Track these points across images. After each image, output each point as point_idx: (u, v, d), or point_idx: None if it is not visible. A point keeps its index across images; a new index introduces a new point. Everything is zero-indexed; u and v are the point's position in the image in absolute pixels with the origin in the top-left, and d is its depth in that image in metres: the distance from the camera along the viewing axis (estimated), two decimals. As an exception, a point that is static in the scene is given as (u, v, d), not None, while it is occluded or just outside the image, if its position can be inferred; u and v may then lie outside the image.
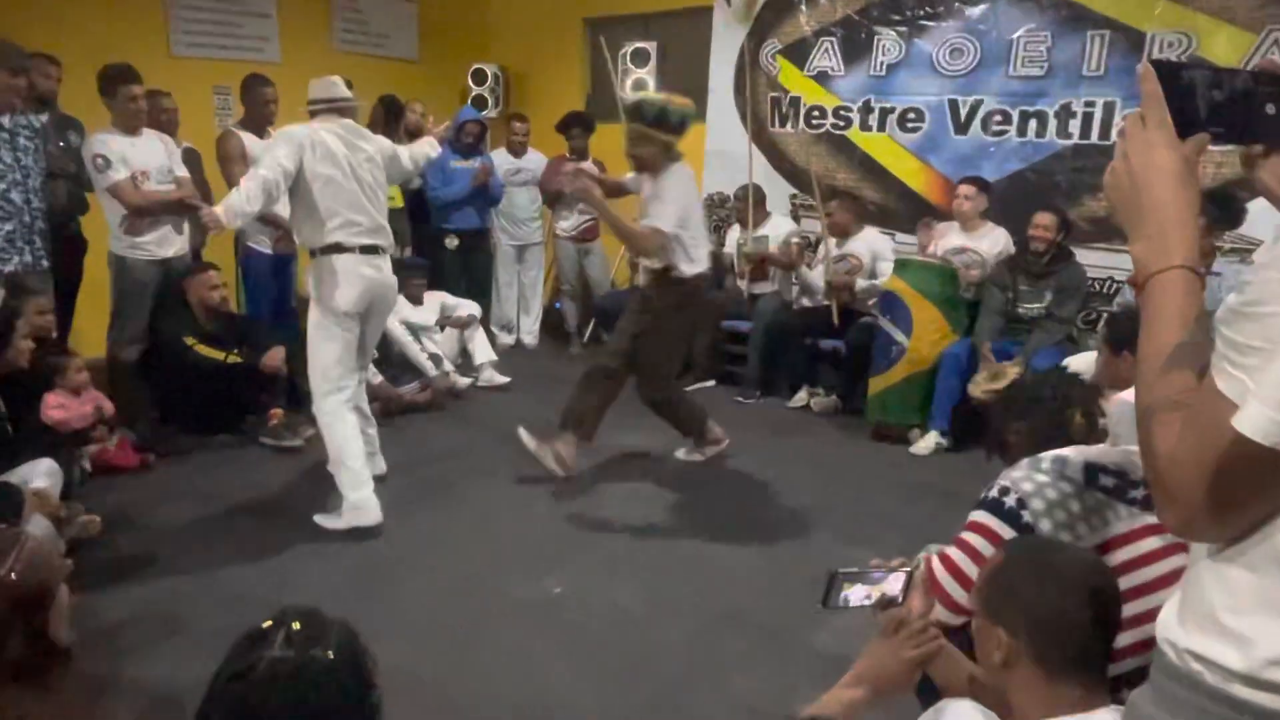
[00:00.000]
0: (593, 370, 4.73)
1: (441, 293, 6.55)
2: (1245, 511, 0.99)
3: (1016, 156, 6.15)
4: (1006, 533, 1.90)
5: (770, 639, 3.29)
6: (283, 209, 4.61)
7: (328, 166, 4.02)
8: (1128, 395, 2.56)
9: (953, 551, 1.99)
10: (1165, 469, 1.01)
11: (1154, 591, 1.72)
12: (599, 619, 3.45)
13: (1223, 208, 4.56)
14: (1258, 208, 4.61)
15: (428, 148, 4.63)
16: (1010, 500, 1.92)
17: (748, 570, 3.86)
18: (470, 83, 8.29)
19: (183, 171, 5.05)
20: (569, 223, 7.39)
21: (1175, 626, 1.08)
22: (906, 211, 6.62)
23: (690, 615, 3.47)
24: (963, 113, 6.33)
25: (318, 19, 7.71)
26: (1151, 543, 1.81)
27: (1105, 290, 5.76)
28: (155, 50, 6.48)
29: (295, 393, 5.14)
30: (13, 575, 1.64)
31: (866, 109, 6.75)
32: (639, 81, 7.38)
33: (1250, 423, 0.92)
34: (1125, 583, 1.77)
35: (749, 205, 6.56)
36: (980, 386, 4.81)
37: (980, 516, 1.97)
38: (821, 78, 6.92)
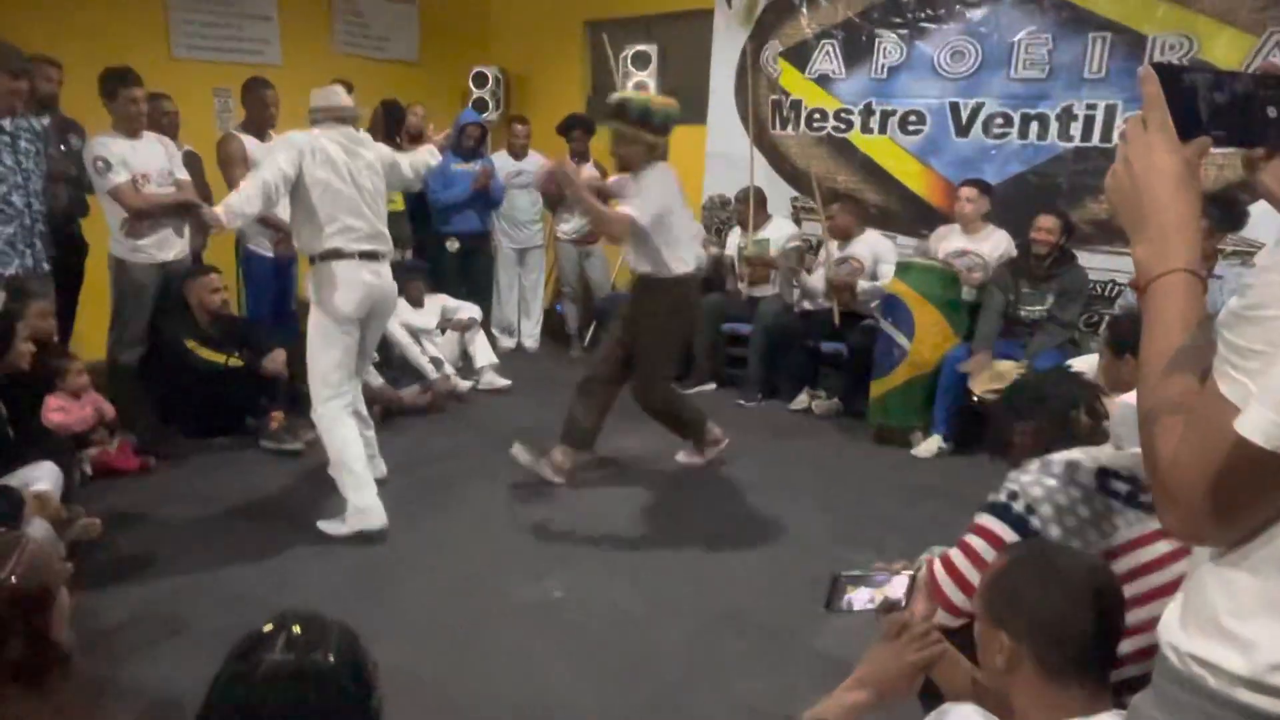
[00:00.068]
0: (586, 380, 4.72)
1: (442, 295, 6.55)
2: (1247, 515, 0.99)
3: (1018, 159, 6.15)
4: (1011, 537, 1.89)
5: (771, 641, 3.29)
6: (283, 212, 4.61)
7: (327, 172, 4.04)
8: (1129, 398, 2.56)
9: (955, 554, 1.99)
10: (1167, 472, 1.01)
11: (1163, 597, 1.71)
12: (599, 620, 3.45)
13: (1225, 210, 4.56)
14: (1260, 210, 4.61)
15: (428, 156, 4.63)
16: (1018, 505, 1.91)
17: (748, 572, 3.86)
18: (471, 85, 8.30)
19: (183, 174, 5.05)
20: (570, 225, 7.39)
21: (1177, 630, 1.08)
22: (908, 214, 6.62)
23: (690, 617, 3.47)
24: (964, 115, 6.33)
25: (318, 21, 7.72)
26: (1160, 547, 1.80)
27: (1107, 293, 5.75)
28: (156, 53, 6.49)
29: (296, 396, 5.13)
30: (13, 578, 1.64)
31: (868, 111, 6.75)
32: (640, 84, 7.38)
33: (1252, 426, 0.91)
34: (1135, 588, 1.77)
35: (750, 208, 6.56)
36: (982, 385, 4.81)
37: (986, 520, 1.96)
38: (823, 80, 6.92)
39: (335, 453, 4.11)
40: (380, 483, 4.27)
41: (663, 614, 3.49)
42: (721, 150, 7.36)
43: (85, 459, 4.45)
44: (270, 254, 5.64)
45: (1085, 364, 3.37)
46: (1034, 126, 6.06)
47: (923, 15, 6.42)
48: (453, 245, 6.98)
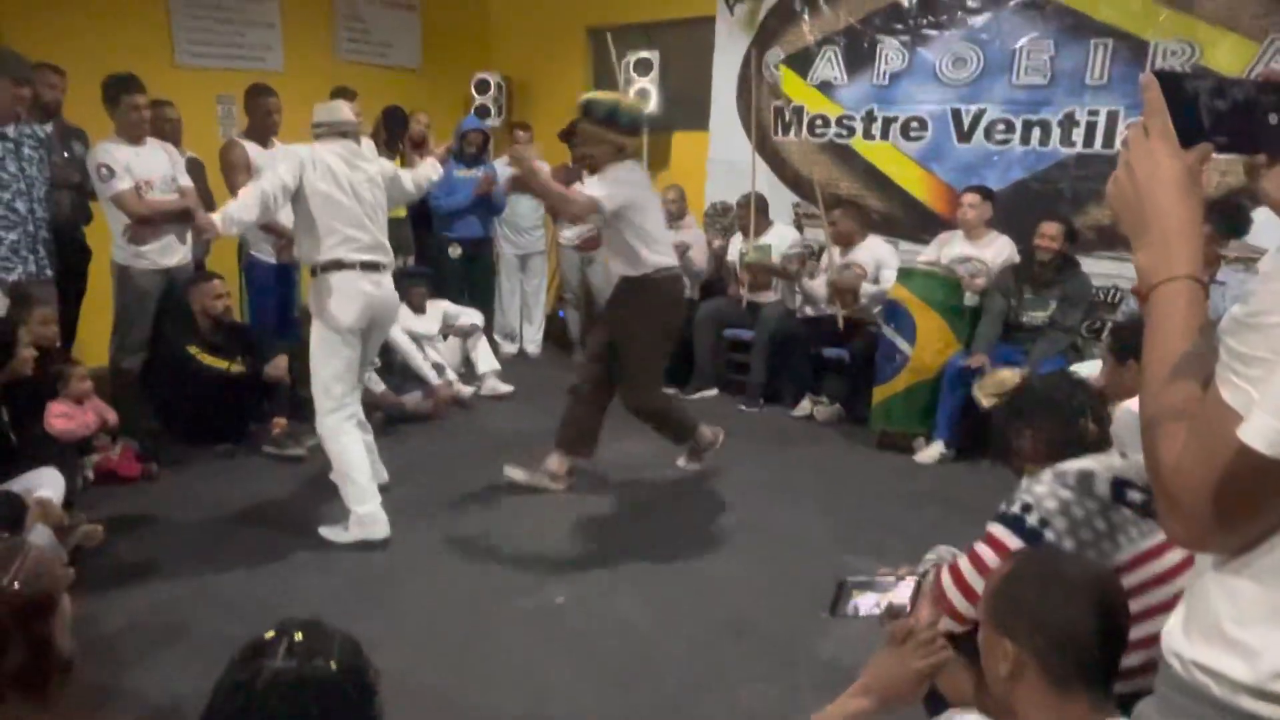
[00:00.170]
0: (575, 385, 4.69)
1: (444, 301, 6.54)
2: (1251, 522, 0.99)
3: (1020, 165, 6.16)
4: None
5: (774, 648, 3.28)
6: (285, 219, 4.62)
7: (328, 184, 4.06)
8: (1132, 404, 2.56)
9: (962, 562, 1.98)
10: (1170, 479, 1.01)
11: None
12: (601, 627, 3.44)
13: (1227, 217, 4.56)
14: (1263, 217, 4.60)
15: (429, 170, 4.65)
16: (1032, 519, 1.89)
17: (751, 578, 3.85)
18: (473, 92, 8.30)
19: (186, 181, 5.06)
20: (572, 231, 7.39)
21: (1181, 638, 1.08)
22: (910, 220, 6.63)
23: (693, 623, 3.46)
24: (966, 121, 6.33)
25: (321, 28, 7.72)
26: (1172, 558, 1.80)
27: (1110, 299, 5.75)
28: (159, 60, 6.50)
29: (298, 402, 5.14)
30: (15, 585, 1.63)
31: (870, 118, 6.75)
32: (642, 90, 7.39)
33: (1255, 434, 0.91)
34: (1147, 600, 1.76)
35: (751, 214, 6.56)
36: (986, 391, 4.81)
37: (998, 531, 1.94)
38: (825, 87, 6.93)
39: (338, 463, 4.12)
40: (382, 489, 4.27)
41: (665, 620, 3.49)
42: (723, 156, 7.36)
43: (87, 465, 4.46)
44: (273, 260, 5.64)
45: (1087, 371, 3.37)
46: (1036, 132, 6.07)
47: (925, 22, 6.42)
48: (455, 251, 6.98)
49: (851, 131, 6.85)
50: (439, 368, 6.13)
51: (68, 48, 5.64)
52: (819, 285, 6.19)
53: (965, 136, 6.35)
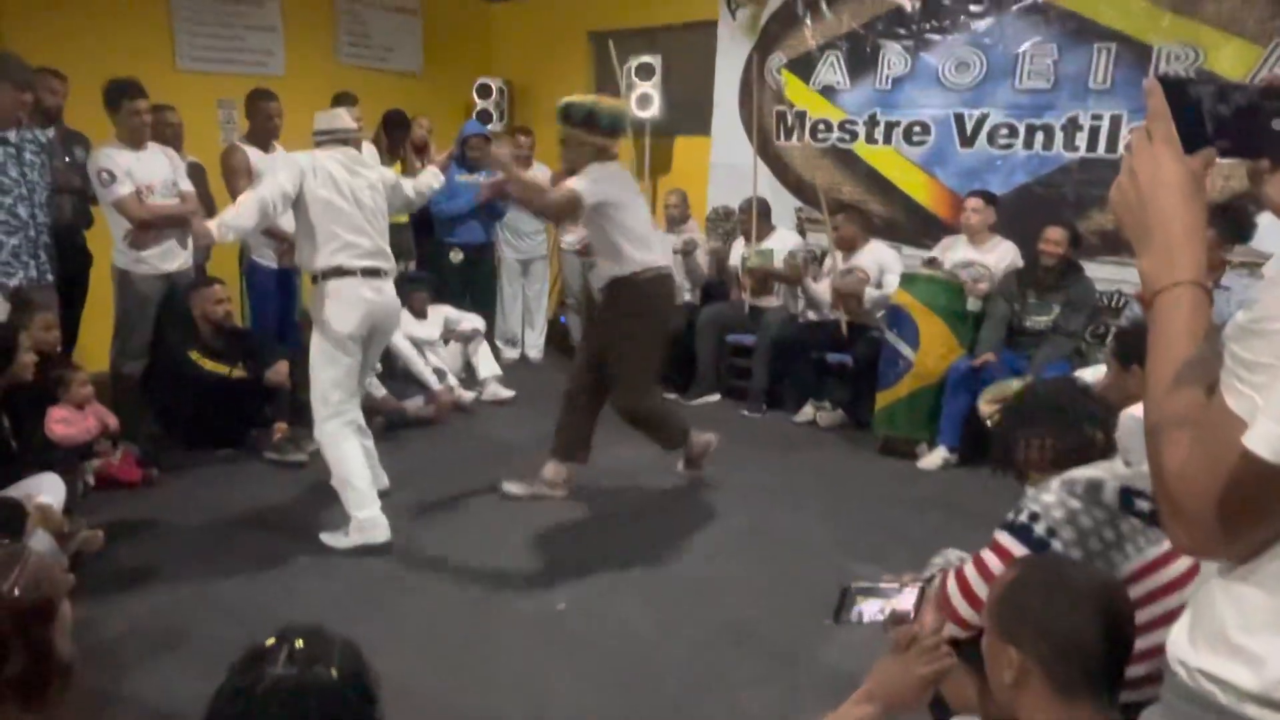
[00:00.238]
0: (567, 391, 4.67)
1: (445, 306, 6.54)
2: (1255, 529, 0.98)
3: (1023, 170, 6.15)
4: None
5: (777, 654, 3.27)
6: (287, 223, 4.62)
7: (328, 190, 4.06)
8: (1136, 410, 2.55)
9: (968, 569, 1.96)
10: (1174, 485, 1.01)
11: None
12: (602, 632, 3.44)
13: (1232, 222, 4.54)
14: (1267, 222, 4.59)
15: (431, 178, 4.65)
16: (1039, 528, 1.88)
17: (754, 584, 3.84)
18: (475, 96, 8.31)
19: (187, 185, 5.06)
20: (573, 236, 7.38)
21: (1186, 645, 1.07)
22: (913, 225, 6.62)
23: (695, 628, 3.45)
24: (969, 126, 6.33)
25: (322, 33, 7.73)
26: (1180, 566, 1.79)
27: (1113, 304, 5.74)
28: (160, 64, 6.50)
29: (299, 407, 5.13)
30: (15, 591, 1.63)
31: (872, 122, 6.76)
32: (644, 95, 7.40)
33: (1260, 440, 0.91)
34: (1155, 609, 1.75)
35: (753, 219, 6.56)
36: (987, 399, 4.79)
37: (1005, 540, 1.93)
38: (827, 91, 6.93)
39: (337, 469, 4.11)
40: (383, 494, 4.27)
41: (667, 626, 3.48)
42: (725, 161, 7.36)
43: (88, 470, 4.46)
44: (274, 265, 5.63)
45: (1091, 376, 3.36)
46: (1039, 137, 6.06)
47: (927, 26, 6.42)
48: (456, 256, 6.98)
49: (854, 136, 6.85)
50: (440, 373, 6.13)
51: (69, 52, 5.65)
52: (823, 287, 6.18)
53: (968, 141, 6.35)
